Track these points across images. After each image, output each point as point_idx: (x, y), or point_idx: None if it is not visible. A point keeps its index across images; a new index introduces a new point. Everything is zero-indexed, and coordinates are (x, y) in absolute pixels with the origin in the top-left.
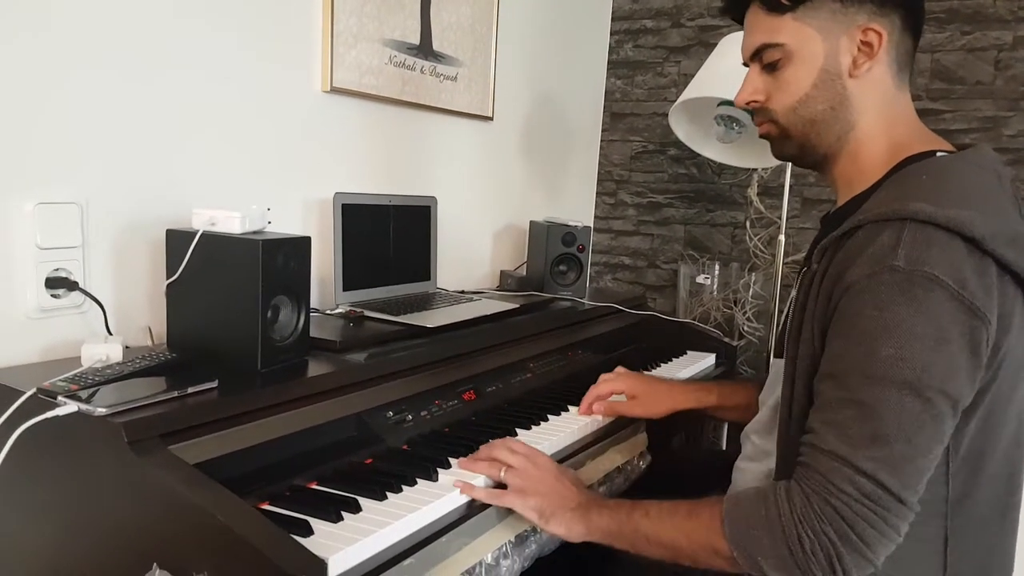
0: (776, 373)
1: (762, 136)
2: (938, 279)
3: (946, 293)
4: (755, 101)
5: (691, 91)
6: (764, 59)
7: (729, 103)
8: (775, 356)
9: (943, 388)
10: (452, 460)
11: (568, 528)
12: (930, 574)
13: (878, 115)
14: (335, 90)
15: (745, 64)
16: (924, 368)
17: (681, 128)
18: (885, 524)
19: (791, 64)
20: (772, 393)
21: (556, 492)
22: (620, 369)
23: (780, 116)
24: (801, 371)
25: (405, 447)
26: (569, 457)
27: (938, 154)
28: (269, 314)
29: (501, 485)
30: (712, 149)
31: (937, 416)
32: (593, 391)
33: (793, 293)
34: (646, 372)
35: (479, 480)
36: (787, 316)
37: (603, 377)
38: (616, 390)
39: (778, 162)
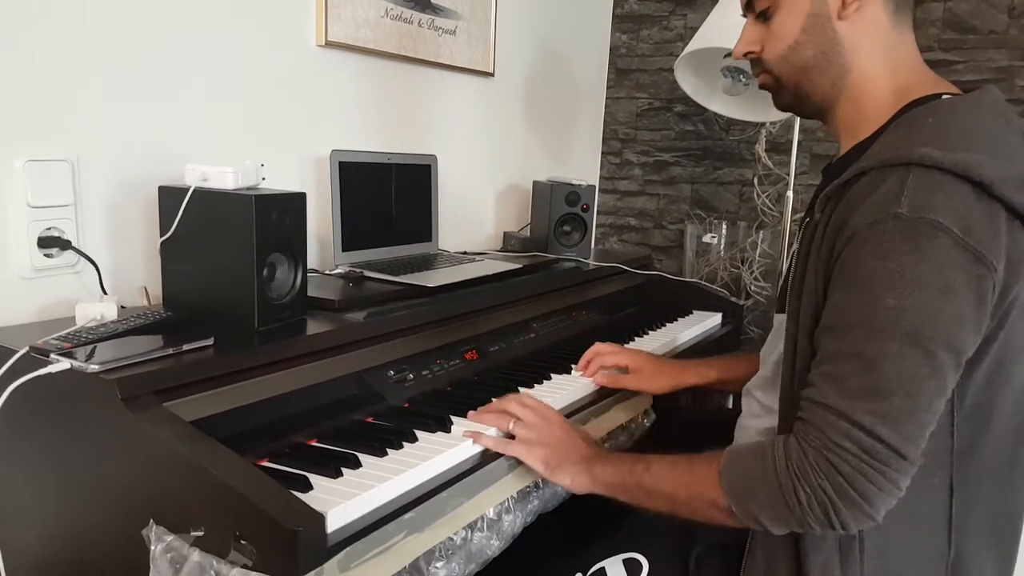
0: (778, 328)
1: (761, 87)
2: (942, 226)
3: (950, 240)
4: (751, 52)
5: (697, 42)
6: (756, 8)
7: None
8: (777, 311)
9: (947, 340)
10: (454, 417)
11: (572, 479)
12: (935, 524)
13: (875, 58)
14: (330, 44)
15: (743, 16)
16: (928, 319)
17: (687, 82)
18: (884, 479)
19: (780, 11)
20: (774, 349)
21: (563, 445)
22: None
23: (773, 65)
24: (804, 326)
25: (406, 405)
26: (572, 415)
27: (944, 97)
28: (265, 272)
29: (511, 437)
30: (719, 103)
31: (939, 369)
32: (597, 360)
33: (795, 246)
34: (651, 332)
35: (490, 431)
36: (789, 270)
37: (605, 347)
38: (619, 363)
39: (786, 115)
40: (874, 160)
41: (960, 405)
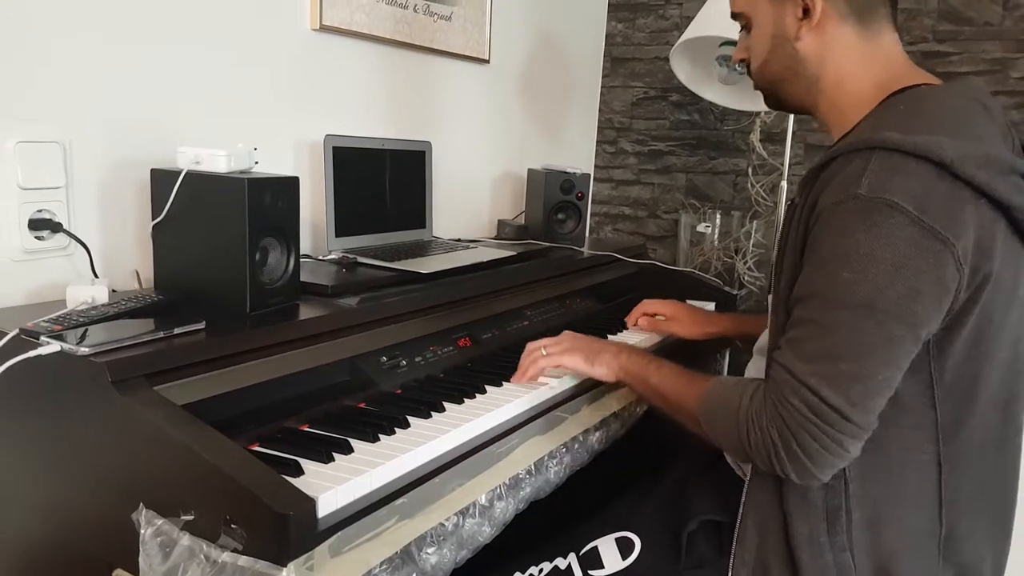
0: None
1: (755, 89)
2: (898, 206)
3: (906, 219)
4: (743, 59)
5: (693, 30)
6: (740, 21)
7: (731, 43)
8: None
9: (899, 312)
10: (447, 404)
11: (608, 367)
12: (925, 501)
13: (845, 65)
14: (324, 28)
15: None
16: (880, 292)
17: (683, 70)
18: (827, 438)
19: (754, 28)
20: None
21: (593, 343)
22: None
23: (754, 75)
24: (783, 298)
25: (399, 391)
26: (566, 401)
27: (921, 86)
28: (257, 256)
29: None
30: (714, 92)
31: (892, 340)
32: (640, 307)
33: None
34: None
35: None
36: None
37: (651, 300)
38: (660, 312)
39: None
40: (843, 145)
41: (940, 379)
